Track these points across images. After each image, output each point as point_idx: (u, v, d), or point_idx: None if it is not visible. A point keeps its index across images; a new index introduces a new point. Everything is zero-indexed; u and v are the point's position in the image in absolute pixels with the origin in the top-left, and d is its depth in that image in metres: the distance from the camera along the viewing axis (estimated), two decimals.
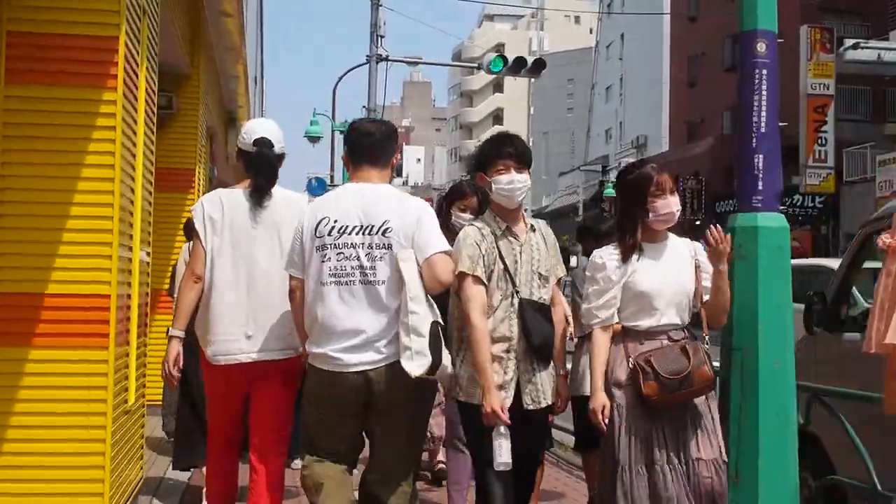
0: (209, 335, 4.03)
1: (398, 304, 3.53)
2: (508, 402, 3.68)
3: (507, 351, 3.74)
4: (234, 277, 4.00)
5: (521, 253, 3.81)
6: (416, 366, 3.44)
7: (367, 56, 17.88)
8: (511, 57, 16.45)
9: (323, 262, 3.60)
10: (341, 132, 22.77)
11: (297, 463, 5.38)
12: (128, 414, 4.53)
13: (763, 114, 4.02)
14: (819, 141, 26.42)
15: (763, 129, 4.02)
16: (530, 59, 17.24)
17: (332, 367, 3.59)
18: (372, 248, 3.57)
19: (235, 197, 4.09)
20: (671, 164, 41.39)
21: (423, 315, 3.48)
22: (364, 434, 3.79)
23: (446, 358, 3.57)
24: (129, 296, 4.50)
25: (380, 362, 3.56)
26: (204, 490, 4.54)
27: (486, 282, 3.72)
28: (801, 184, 26.60)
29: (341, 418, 3.66)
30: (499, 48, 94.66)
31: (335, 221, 3.60)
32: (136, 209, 4.59)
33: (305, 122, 30.15)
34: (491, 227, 3.82)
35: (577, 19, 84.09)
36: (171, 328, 4.12)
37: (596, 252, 3.95)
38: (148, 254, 5.05)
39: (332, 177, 26.02)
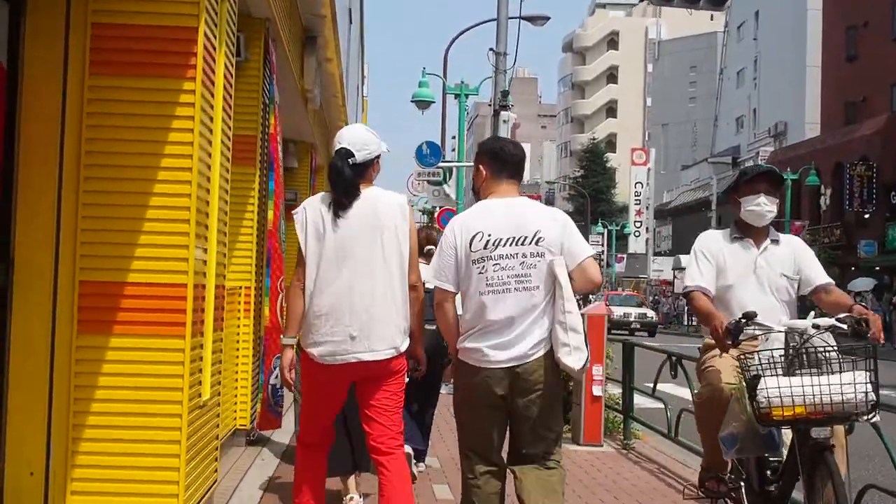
0: (316, 336, 4.14)
1: (545, 306, 3.87)
2: None
3: None
4: (338, 280, 4.12)
5: None
6: (575, 360, 3.78)
7: None
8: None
9: (480, 273, 3.90)
10: (456, 96, 19.74)
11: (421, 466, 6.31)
12: (202, 409, 4.62)
13: None
14: None
15: None
16: None
17: (482, 364, 3.87)
18: (526, 256, 3.88)
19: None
20: (827, 150, 36.24)
21: (576, 314, 3.82)
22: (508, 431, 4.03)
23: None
24: (204, 287, 4.62)
25: (527, 357, 3.84)
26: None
27: None
28: None
29: (489, 411, 3.91)
30: (613, 36, 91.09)
31: (489, 235, 3.90)
32: (212, 206, 4.71)
33: (413, 83, 26.98)
34: None
35: None
36: (283, 336, 4.30)
37: None
38: (224, 251, 5.09)
39: (442, 143, 22.82)
